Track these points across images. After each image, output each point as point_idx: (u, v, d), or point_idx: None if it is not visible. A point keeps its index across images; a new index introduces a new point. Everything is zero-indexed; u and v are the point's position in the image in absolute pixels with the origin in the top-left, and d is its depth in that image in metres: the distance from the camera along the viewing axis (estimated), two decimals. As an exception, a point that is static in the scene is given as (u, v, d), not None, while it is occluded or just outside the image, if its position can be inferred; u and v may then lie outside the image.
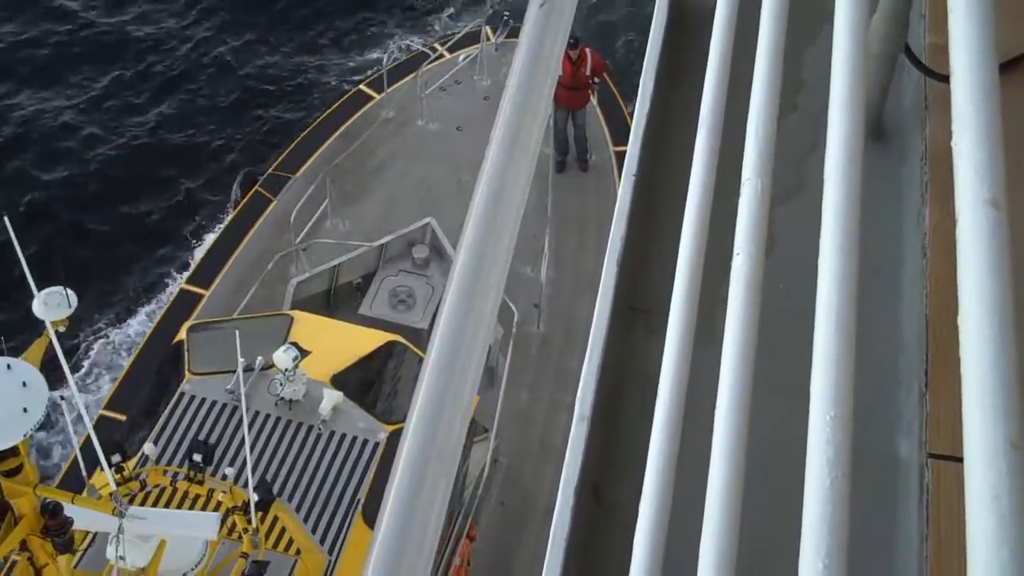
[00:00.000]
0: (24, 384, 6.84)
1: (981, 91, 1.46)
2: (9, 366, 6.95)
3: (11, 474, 7.15)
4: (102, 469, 7.41)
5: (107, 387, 14.93)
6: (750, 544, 1.65)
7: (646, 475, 1.76)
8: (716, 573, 1.50)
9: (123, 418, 11.15)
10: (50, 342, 7.08)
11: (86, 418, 7.16)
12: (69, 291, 7.24)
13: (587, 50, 14.72)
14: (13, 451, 7.00)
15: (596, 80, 14.90)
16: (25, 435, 6.84)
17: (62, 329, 7.21)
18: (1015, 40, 3.05)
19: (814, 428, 1.39)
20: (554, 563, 2.46)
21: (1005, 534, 1.08)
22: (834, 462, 1.33)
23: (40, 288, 6.98)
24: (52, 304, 7.09)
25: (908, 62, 3.27)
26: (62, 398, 7.08)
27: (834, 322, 1.49)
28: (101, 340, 16.05)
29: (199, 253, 15.64)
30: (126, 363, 13.40)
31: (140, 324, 16.14)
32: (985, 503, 1.10)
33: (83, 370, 15.48)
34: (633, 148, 3.41)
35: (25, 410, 6.76)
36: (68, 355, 7.44)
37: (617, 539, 1.92)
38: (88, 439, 7.76)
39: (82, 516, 7.35)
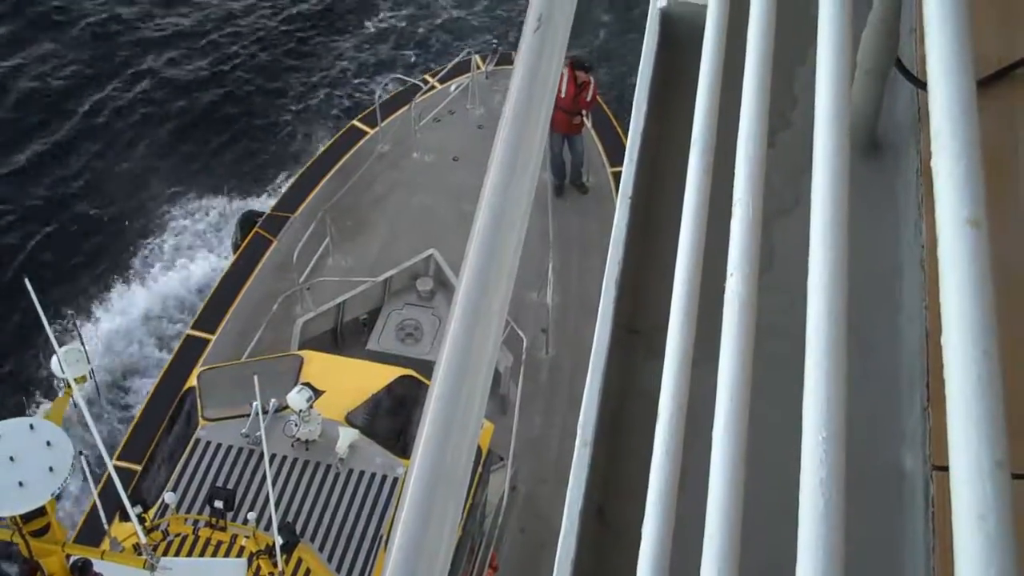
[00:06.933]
0: (48, 443, 6.89)
1: (958, 107, 1.44)
2: (32, 426, 6.98)
3: (39, 533, 7.17)
4: (132, 522, 7.41)
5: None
6: (752, 563, 1.64)
7: (648, 496, 1.75)
8: None
9: (136, 468, 11.13)
10: (72, 399, 7.13)
11: (115, 476, 7.17)
12: (86, 347, 7.31)
13: (591, 78, 14.76)
14: (40, 510, 7.03)
15: (586, 113, 15.01)
16: (52, 495, 6.88)
17: (82, 385, 7.26)
18: (995, 54, 3.05)
19: (807, 448, 1.38)
20: None
21: (992, 553, 1.07)
22: (827, 482, 1.32)
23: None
24: (71, 361, 7.12)
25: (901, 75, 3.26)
26: (82, 453, 7.12)
27: (824, 341, 1.48)
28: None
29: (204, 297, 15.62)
30: (136, 411, 13.37)
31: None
32: (972, 522, 1.09)
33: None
34: (628, 169, 3.40)
35: (51, 469, 6.81)
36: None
37: (622, 561, 1.92)
38: (103, 489, 7.76)
39: (112, 571, 7.36)
